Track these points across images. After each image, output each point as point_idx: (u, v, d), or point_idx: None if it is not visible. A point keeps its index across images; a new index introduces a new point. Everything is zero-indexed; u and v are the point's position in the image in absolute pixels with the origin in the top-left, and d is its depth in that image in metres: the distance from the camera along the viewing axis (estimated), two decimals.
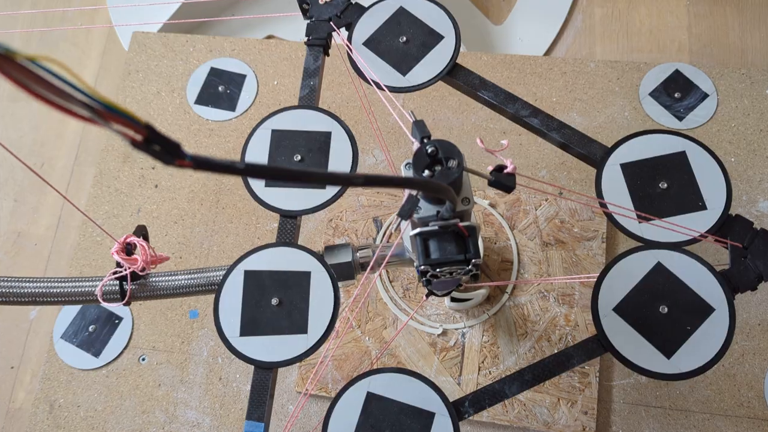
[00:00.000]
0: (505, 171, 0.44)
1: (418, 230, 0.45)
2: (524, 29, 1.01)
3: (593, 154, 0.57)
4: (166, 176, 0.97)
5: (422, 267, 0.45)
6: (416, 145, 0.45)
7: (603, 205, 0.54)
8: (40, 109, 1.17)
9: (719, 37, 0.93)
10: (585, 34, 0.98)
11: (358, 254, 0.63)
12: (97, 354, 0.87)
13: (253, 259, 0.60)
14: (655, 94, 0.87)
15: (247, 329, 0.57)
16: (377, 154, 0.92)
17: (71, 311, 0.91)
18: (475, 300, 0.77)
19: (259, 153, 0.63)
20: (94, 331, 0.89)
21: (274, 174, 0.27)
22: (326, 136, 0.62)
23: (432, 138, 0.44)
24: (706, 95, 0.85)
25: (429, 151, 0.43)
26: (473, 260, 0.45)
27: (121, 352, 0.87)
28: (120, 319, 0.89)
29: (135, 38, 1.09)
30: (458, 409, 0.50)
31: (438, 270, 0.45)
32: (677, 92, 0.86)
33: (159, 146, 0.24)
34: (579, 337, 0.75)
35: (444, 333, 0.78)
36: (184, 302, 0.89)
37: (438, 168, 0.43)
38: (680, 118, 0.85)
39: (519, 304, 0.78)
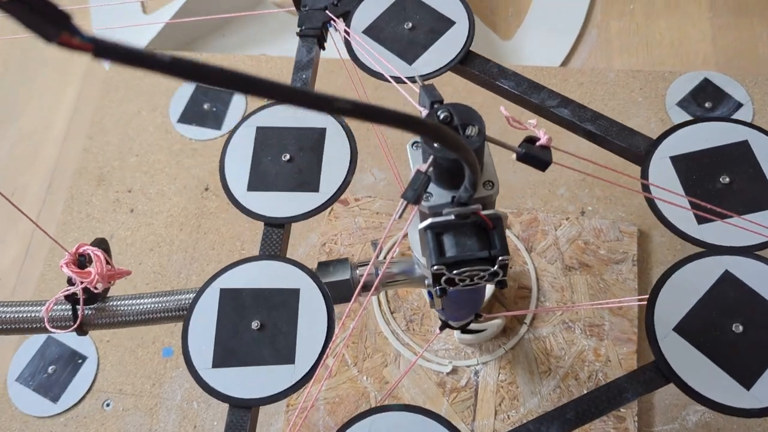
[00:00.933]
0: (538, 143, 0.35)
1: (429, 222, 0.36)
2: (535, 44, 0.94)
3: (636, 147, 0.48)
4: (143, 200, 0.88)
5: (435, 268, 0.36)
6: (425, 112, 0.36)
7: (652, 203, 0.44)
8: (13, 134, 1.09)
9: (747, 49, 0.86)
10: (601, 48, 0.91)
11: (357, 271, 0.53)
12: (55, 399, 0.76)
13: (231, 275, 0.50)
14: (683, 104, 0.79)
15: (221, 359, 0.47)
16: (376, 173, 0.83)
17: (29, 350, 0.80)
18: (490, 332, 0.67)
19: (241, 153, 0.54)
20: (53, 373, 0.78)
21: (215, 76, 0.18)
22: (320, 133, 0.54)
23: (445, 102, 0.35)
24: (740, 104, 0.77)
25: (441, 117, 0.34)
26: (500, 258, 0.35)
27: (83, 397, 0.76)
28: (84, 358, 0.78)
29: None
30: None
31: (455, 272, 0.36)
32: (708, 101, 0.78)
33: (32, 8, 0.16)
34: (612, 375, 0.65)
35: (454, 371, 0.68)
36: (157, 338, 0.78)
37: None
38: None
39: (540, 336, 0.68)
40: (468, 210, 0.35)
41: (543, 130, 0.35)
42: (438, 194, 0.36)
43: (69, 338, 0.79)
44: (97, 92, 1.07)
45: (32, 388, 0.77)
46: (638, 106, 0.81)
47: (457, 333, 0.68)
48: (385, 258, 0.71)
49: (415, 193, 0.33)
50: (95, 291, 0.49)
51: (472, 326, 0.65)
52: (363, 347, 0.71)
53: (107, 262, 0.49)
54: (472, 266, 0.36)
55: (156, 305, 0.53)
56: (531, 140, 0.35)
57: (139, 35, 1.04)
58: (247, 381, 0.46)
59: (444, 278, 0.37)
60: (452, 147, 0.28)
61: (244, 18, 1.10)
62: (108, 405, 0.75)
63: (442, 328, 0.62)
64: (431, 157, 0.34)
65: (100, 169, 0.92)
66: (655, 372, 0.40)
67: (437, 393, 0.67)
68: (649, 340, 0.41)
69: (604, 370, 0.65)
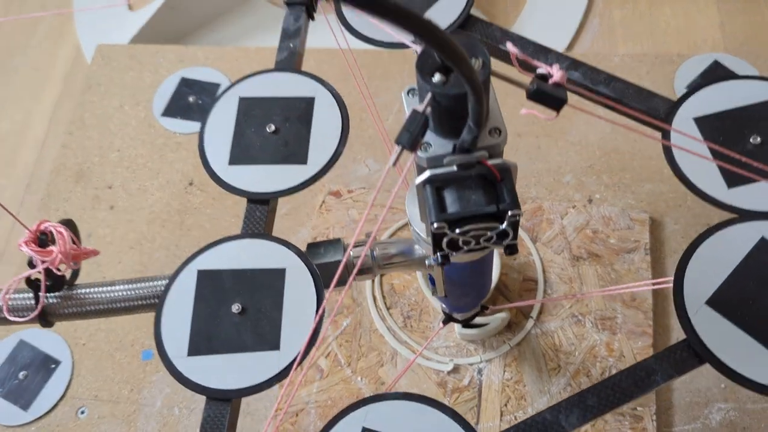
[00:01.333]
0: (552, 81, 0.31)
1: (427, 174, 0.31)
2: (534, 34, 0.90)
3: (655, 110, 0.44)
4: (124, 196, 0.83)
5: (436, 226, 0.31)
6: (420, 50, 0.32)
7: (677, 168, 0.40)
8: None
9: (757, 34, 0.83)
10: (604, 36, 0.87)
11: (351, 252, 0.48)
12: (25, 406, 0.71)
13: (210, 256, 0.46)
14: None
15: (197, 346, 0.42)
16: (371, 164, 0.79)
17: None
18: (493, 326, 0.62)
19: (222, 125, 0.50)
20: (24, 379, 0.72)
21: None
22: (308, 103, 0.49)
23: None
24: None
25: None
26: (510, 213, 0.31)
27: (56, 404, 0.71)
28: (57, 363, 0.73)
29: (99, 50, 0.97)
30: None
31: (458, 231, 0.31)
32: None
33: None
34: None
35: (455, 369, 0.63)
36: (136, 341, 0.73)
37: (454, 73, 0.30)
38: None
39: (548, 331, 0.63)
40: (472, 158, 0.31)
41: (556, 66, 0.31)
42: (437, 144, 0.32)
43: (42, 342, 0.74)
44: (79, 88, 1.03)
45: (1, 395, 0.72)
46: None
47: (458, 328, 0.63)
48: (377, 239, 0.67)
49: (410, 136, 0.29)
50: (58, 273, 0.45)
51: (476, 320, 0.61)
52: (357, 346, 0.66)
53: (72, 241, 0.45)
54: (477, 224, 0.31)
55: (128, 292, 0.48)
56: (543, 77, 0.31)
57: (126, 28, 1.01)
58: (226, 370, 0.41)
59: (446, 240, 0.32)
60: (451, 57, 0.23)
61: (233, 12, 1.07)
62: (83, 412, 0.70)
63: (445, 322, 0.57)
64: (429, 95, 0.29)
65: (80, 165, 0.87)
66: (687, 351, 0.35)
67: (438, 393, 0.62)
68: (678, 316, 0.36)
69: (618, 366, 0.60)
